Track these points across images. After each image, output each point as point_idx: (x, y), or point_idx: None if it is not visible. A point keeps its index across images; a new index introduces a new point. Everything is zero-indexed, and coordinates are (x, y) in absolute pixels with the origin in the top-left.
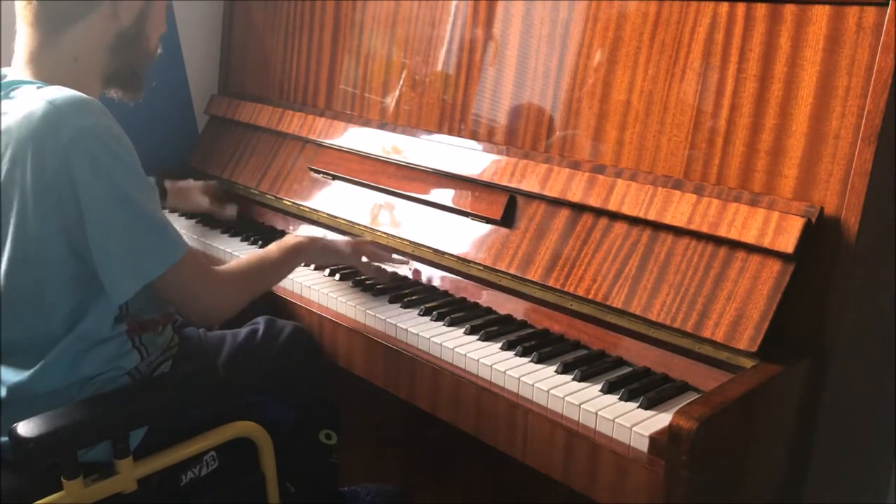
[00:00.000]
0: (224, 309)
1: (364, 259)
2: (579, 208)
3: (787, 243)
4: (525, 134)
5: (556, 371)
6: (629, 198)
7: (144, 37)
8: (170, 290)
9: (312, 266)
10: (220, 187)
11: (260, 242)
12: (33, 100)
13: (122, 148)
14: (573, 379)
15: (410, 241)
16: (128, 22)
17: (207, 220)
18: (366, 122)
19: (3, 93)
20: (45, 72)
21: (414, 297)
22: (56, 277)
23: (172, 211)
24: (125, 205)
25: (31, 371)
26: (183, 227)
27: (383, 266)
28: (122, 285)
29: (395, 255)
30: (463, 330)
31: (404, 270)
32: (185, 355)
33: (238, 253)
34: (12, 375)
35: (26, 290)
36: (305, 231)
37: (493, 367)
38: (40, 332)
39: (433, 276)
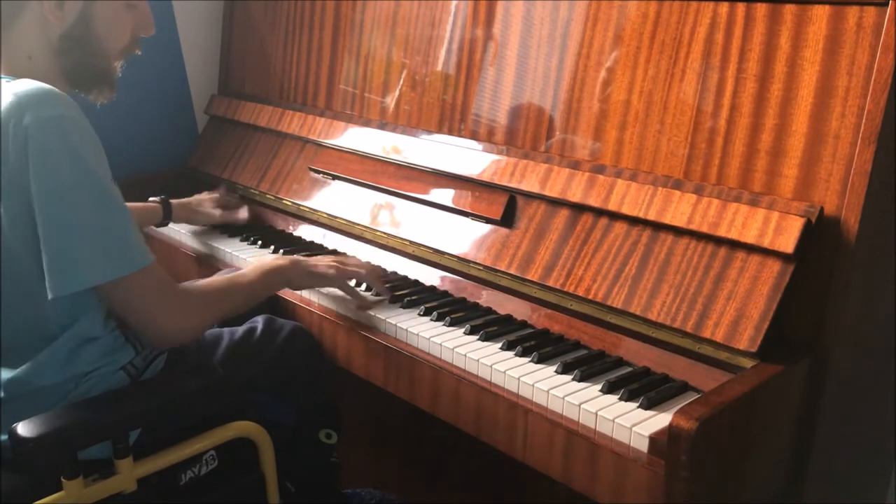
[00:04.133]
0: (182, 332)
1: (350, 282)
2: (579, 208)
3: (787, 243)
4: (525, 134)
5: (555, 371)
6: (629, 198)
7: (95, 37)
8: (120, 304)
9: None
10: (227, 196)
11: (259, 242)
12: (2, 93)
13: (84, 145)
14: (573, 379)
15: (410, 241)
16: (66, 24)
17: None
18: (366, 122)
19: None
20: (8, 68)
21: (414, 297)
22: (36, 271)
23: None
24: (70, 206)
25: (28, 368)
26: (183, 227)
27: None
28: (55, 282)
29: (380, 281)
30: (463, 330)
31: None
32: (180, 351)
33: (238, 252)
34: (8, 373)
35: (15, 285)
36: (306, 231)
37: (493, 367)
38: (36, 328)
39: (433, 276)
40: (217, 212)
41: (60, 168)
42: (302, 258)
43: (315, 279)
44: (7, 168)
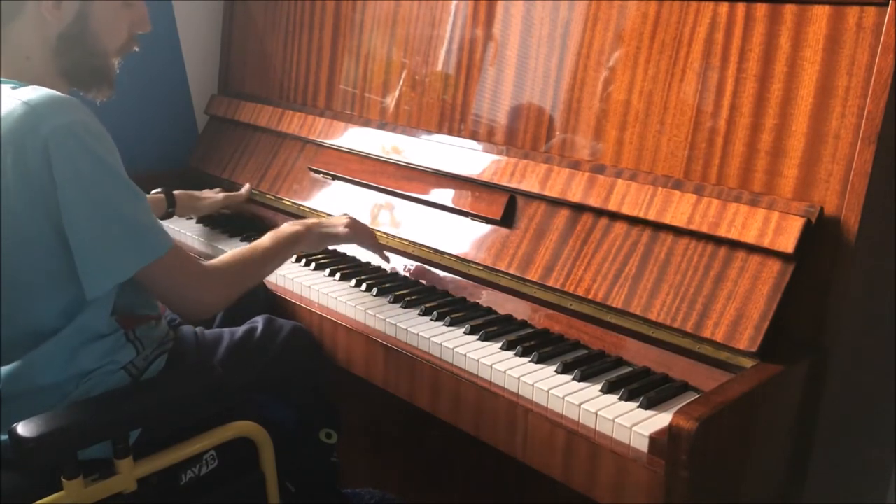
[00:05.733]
0: (212, 304)
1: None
2: (579, 208)
3: (787, 243)
4: (525, 134)
5: (555, 371)
6: (629, 198)
7: (93, 36)
8: (154, 286)
9: (313, 266)
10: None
11: None
12: (9, 100)
13: (101, 145)
14: (573, 379)
15: (410, 241)
16: (64, 23)
17: (208, 221)
18: (366, 122)
19: None
20: (6, 69)
21: (414, 297)
22: (47, 273)
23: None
24: (100, 204)
25: (29, 366)
26: (184, 228)
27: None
28: (95, 282)
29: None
30: (463, 330)
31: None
32: (181, 352)
33: None
34: (9, 371)
35: (19, 286)
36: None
37: (493, 366)
38: (37, 327)
39: (433, 275)
40: (220, 196)
41: (84, 172)
42: (313, 221)
43: (331, 239)
44: (26, 175)
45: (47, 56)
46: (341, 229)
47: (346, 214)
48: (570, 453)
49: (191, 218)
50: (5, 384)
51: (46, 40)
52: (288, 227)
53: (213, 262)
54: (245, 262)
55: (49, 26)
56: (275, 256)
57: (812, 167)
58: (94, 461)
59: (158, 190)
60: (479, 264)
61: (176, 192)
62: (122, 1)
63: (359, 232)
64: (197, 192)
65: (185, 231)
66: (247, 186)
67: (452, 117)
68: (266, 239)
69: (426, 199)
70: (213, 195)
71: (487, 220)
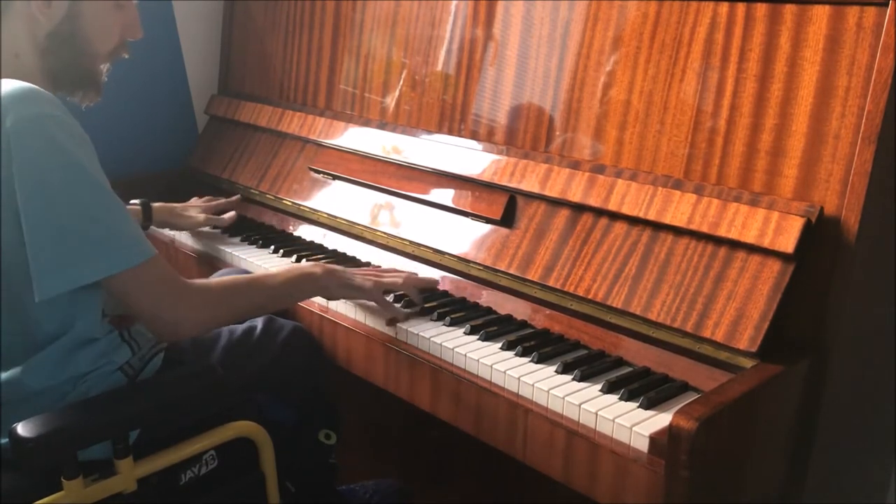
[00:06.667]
0: (190, 325)
1: (386, 296)
2: (579, 208)
3: (787, 243)
4: (525, 134)
5: (556, 371)
6: (629, 198)
7: (82, 37)
8: (125, 297)
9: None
10: (217, 204)
11: (259, 242)
12: None
13: (71, 142)
14: (573, 379)
15: (410, 241)
16: (54, 22)
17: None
18: (366, 122)
19: None
20: None
21: None
22: (27, 275)
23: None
24: (61, 201)
25: (23, 371)
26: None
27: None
28: (45, 283)
29: (417, 291)
30: (463, 330)
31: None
32: (178, 350)
33: (238, 252)
34: (5, 376)
35: (7, 289)
36: (306, 231)
37: (493, 366)
38: (29, 332)
39: (433, 276)
40: (202, 216)
41: (45, 166)
42: (338, 268)
43: (350, 291)
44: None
45: (35, 55)
46: (366, 284)
47: (371, 267)
48: (570, 453)
49: None
50: (3, 388)
51: (35, 39)
52: (306, 265)
53: (203, 281)
54: (244, 289)
55: (38, 25)
56: (283, 293)
57: (812, 167)
58: (94, 461)
59: (136, 201)
60: (479, 264)
61: (155, 204)
62: (114, 2)
63: (384, 286)
64: (179, 207)
65: (185, 232)
66: (231, 214)
67: (452, 117)
68: (279, 273)
69: (426, 198)
70: (196, 214)
71: (487, 220)
